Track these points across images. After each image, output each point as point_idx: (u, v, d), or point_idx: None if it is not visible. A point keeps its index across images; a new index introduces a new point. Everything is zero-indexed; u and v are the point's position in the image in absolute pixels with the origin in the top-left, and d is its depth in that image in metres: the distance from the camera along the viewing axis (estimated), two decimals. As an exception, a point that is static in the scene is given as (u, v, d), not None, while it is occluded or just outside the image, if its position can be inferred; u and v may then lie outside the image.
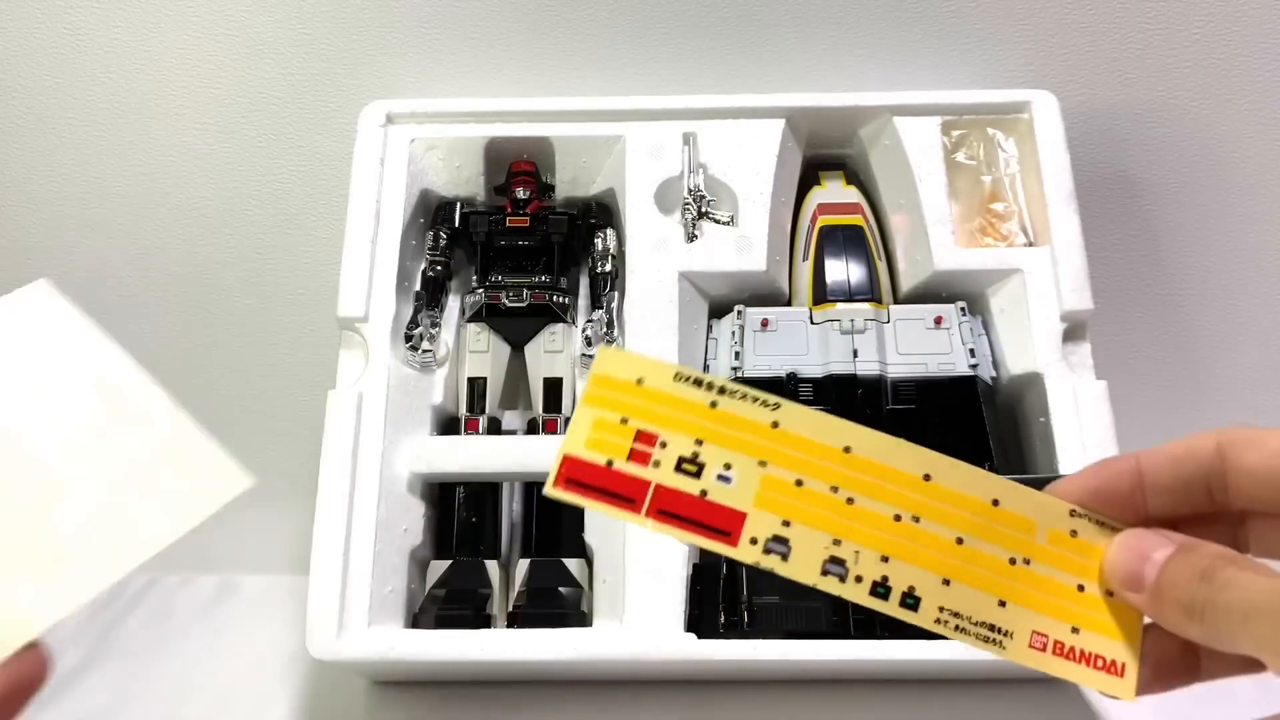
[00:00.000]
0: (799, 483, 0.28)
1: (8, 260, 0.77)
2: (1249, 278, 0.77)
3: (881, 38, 0.73)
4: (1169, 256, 0.77)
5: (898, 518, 0.28)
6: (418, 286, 0.68)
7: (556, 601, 0.61)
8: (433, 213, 0.70)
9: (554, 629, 0.58)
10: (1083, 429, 0.60)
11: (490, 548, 0.64)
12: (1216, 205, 0.77)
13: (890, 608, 0.27)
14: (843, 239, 0.68)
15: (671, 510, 0.28)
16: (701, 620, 0.58)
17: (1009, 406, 0.66)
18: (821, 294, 0.67)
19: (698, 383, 0.29)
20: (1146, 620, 0.29)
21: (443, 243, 0.69)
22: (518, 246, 0.69)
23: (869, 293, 0.66)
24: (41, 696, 0.69)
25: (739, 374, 0.64)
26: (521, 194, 0.70)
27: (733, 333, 0.65)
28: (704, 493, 0.28)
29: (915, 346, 0.64)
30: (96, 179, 0.76)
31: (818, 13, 0.73)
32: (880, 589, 0.28)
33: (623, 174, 0.68)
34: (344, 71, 0.74)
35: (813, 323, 0.65)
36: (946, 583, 0.28)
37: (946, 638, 0.28)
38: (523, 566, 0.63)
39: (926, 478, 0.29)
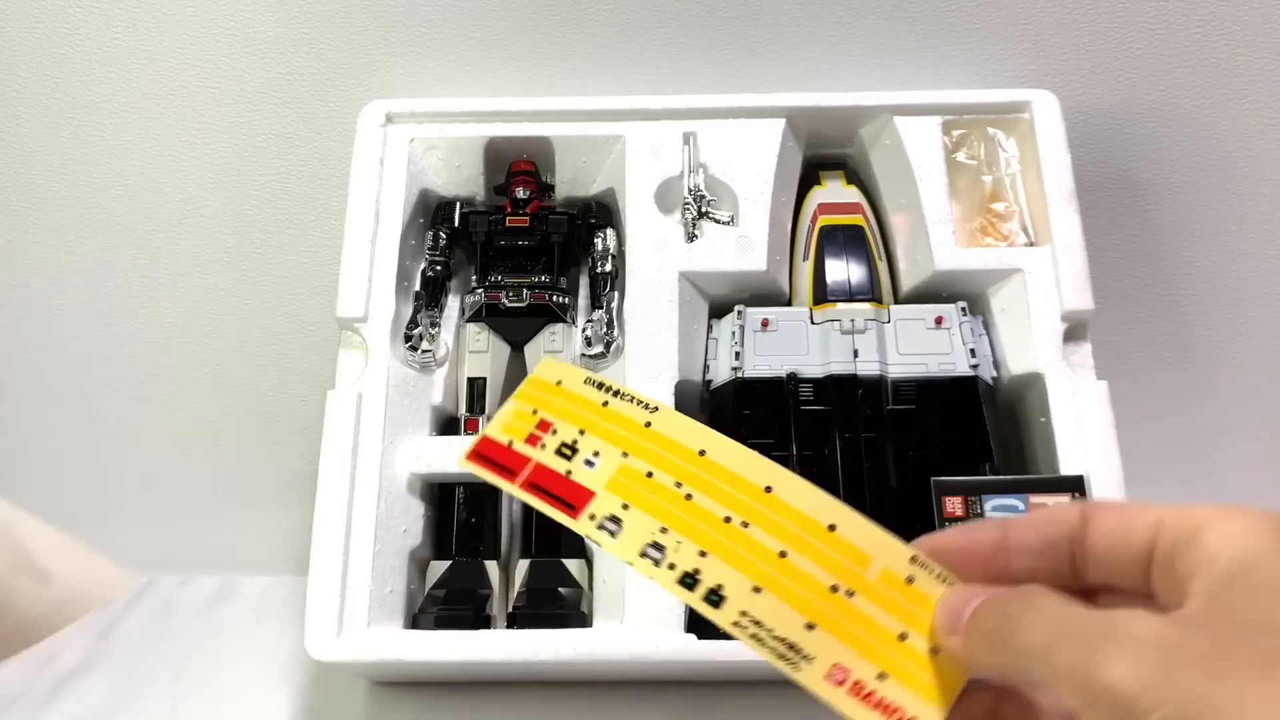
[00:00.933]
0: (649, 474, 0.31)
1: (8, 260, 0.77)
2: (1250, 277, 0.77)
3: (882, 37, 0.73)
4: (1170, 256, 0.77)
5: (728, 519, 0.29)
6: (417, 286, 0.68)
7: (556, 602, 0.61)
8: (432, 212, 0.70)
9: (554, 629, 0.58)
10: (1083, 429, 0.60)
11: (490, 548, 0.64)
12: (1217, 205, 0.76)
13: (694, 600, 0.28)
14: (843, 239, 0.68)
15: (538, 483, 0.31)
16: (701, 620, 0.58)
17: (1009, 407, 0.66)
18: (822, 294, 0.67)
19: (600, 386, 0.33)
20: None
21: (442, 242, 0.69)
22: (517, 246, 0.69)
23: (869, 293, 0.66)
24: (42, 696, 0.69)
25: (739, 374, 0.64)
26: (521, 194, 0.70)
27: (733, 333, 0.65)
28: (569, 472, 0.31)
29: (916, 346, 0.64)
30: (96, 179, 0.76)
31: (818, 12, 0.73)
32: (689, 579, 0.29)
33: (623, 174, 0.68)
34: (343, 71, 0.74)
35: (813, 323, 0.65)
36: (757, 590, 0.28)
37: (742, 643, 0.28)
38: (522, 567, 0.63)
39: (768, 489, 0.30)
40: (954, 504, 0.51)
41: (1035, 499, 0.51)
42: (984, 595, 0.28)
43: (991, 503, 0.51)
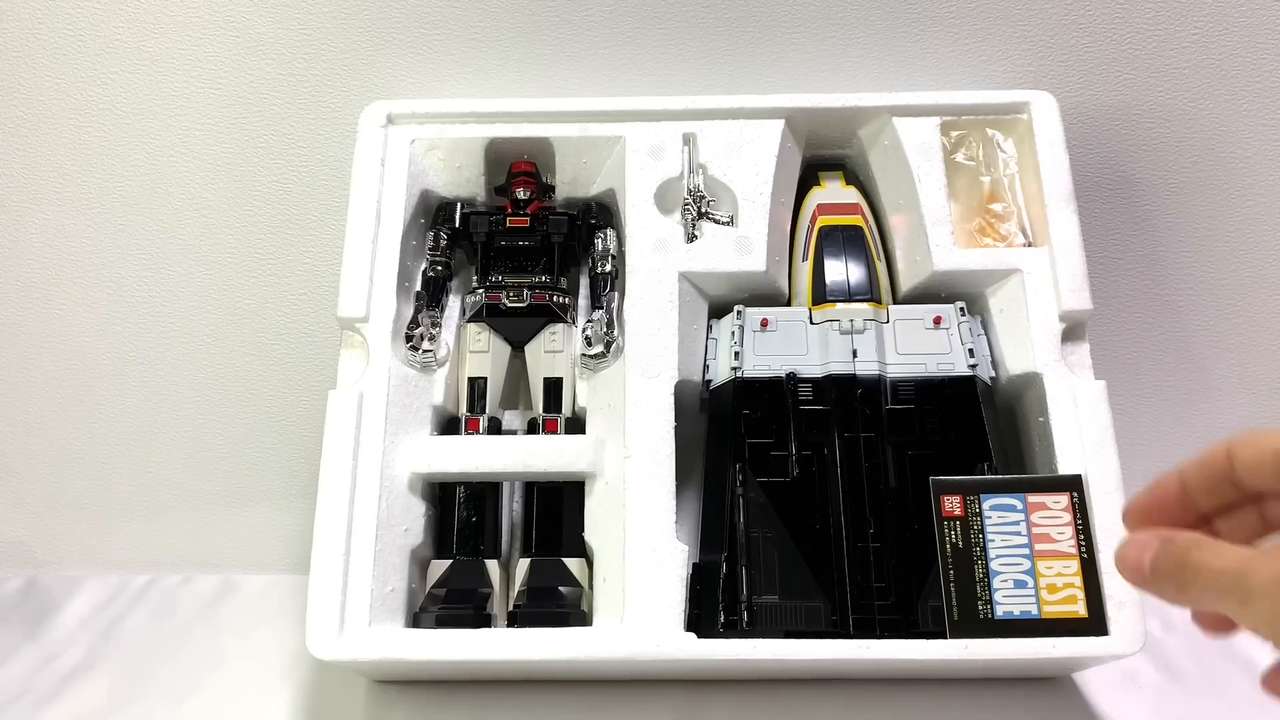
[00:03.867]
0: None
1: (9, 260, 0.78)
2: (1247, 277, 0.78)
3: (881, 39, 0.73)
4: (1167, 256, 0.77)
5: None
6: (418, 286, 0.68)
7: (556, 601, 0.61)
8: (433, 213, 0.70)
9: (554, 628, 0.58)
10: (1081, 428, 0.60)
11: (490, 547, 0.65)
12: (1215, 205, 0.77)
13: None
14: (842, 239, 0.68)
15: None
16: (701, 620, 0.58)
17: (1008, 406, 0.67)
18: (821, 294, 0.67)
19: None
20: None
21: (443, 243, 0.69)
22: (518, 247, 0.69)
23: (868, 293, 0.66)
24: (44, 695, 0.69)
25: (739, 374, 0.64)
26: (522, 194, 0.70)
27: (732, 333, 0.65)
28: None
29: (914, 346, 0.64)
30: (98, 179, 0.76)
31: (818, 13, 0.73)
32: None
33: (623, 174, 0.68)
34: (345, 72, 0.74)
35: (812, 323, 0.65)
36: None
37: None
38: (523, 566, 0.63)
39: None
40: (952, 503, 0.52)
41: (1034, 498, 0.51)
42: (1149, 545, 0.37)
43: (989, 501, 0.51)
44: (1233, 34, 0.73)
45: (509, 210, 0.70)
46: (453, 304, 0.70)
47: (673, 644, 0.57)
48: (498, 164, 0.71)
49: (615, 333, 0.65)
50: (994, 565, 0.51)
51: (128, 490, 0.78)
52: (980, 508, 0.51)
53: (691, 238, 0.67)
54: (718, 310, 0.68)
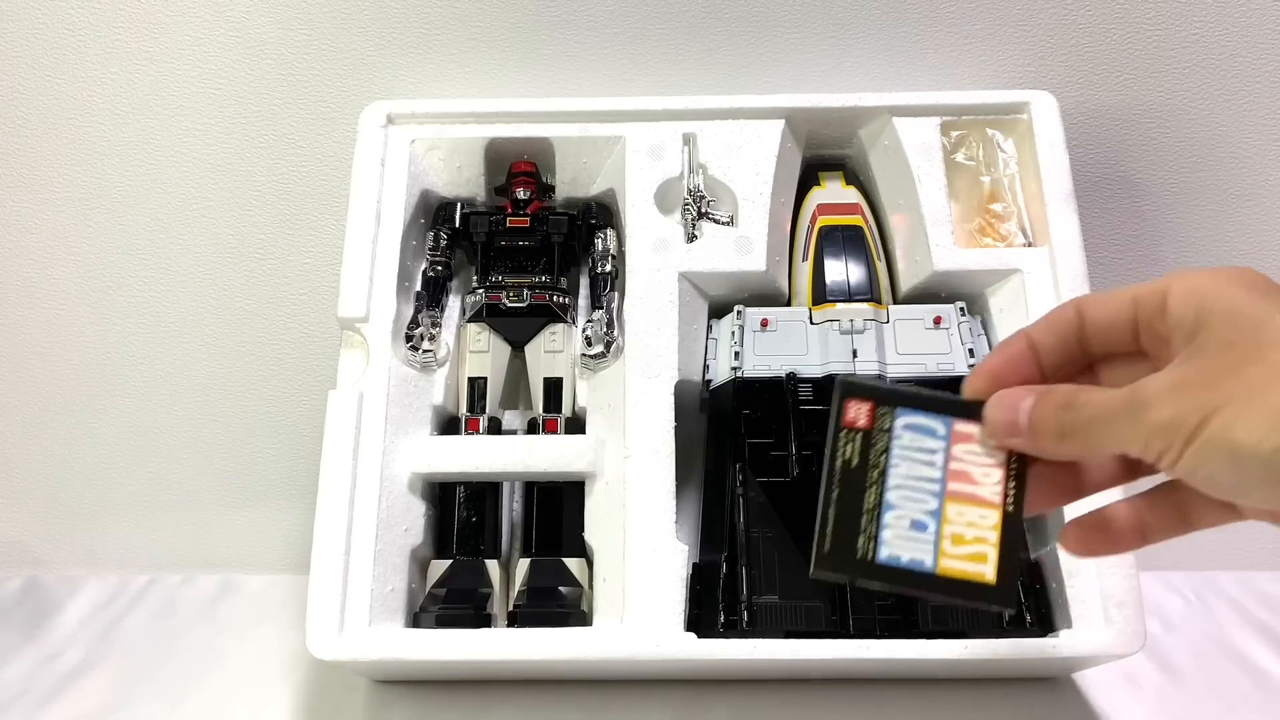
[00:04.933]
0: None
1: (9, 261, 0.78)
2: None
3: (881, 38, 0.73)
4: (1167, 257, 0.77)
5: None
6: (418, 287, 0.68)
7: (556, 600, 0.61)
8: (433, 213, 0.71)
9: (554, 628, 0.58)
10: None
11: (490, 547, 0.65)
12: (1215, 205, 0.77)
13: None
14: (842, 239, 0.68)
15: None
16: (701, 620, 0.58)
17: (1008, 406, 0.67)
18: (821, 294, 0.67)
19: None
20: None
21: (443, 243, 0.69)
22: (518, 247, 0.69)
23: (868, 293, 0.66)
24: (44, 695, 0.69)
25: (739, 374, 0.64)
26: (522, 194, 0.70)
27: (732, 333, 0.65)
28: None
29: (914, 347, 0.64)
30: (97, 180, 0.76)
31: (818, 13, 0.73)
32: None
33: (623, 174, 0.68)
34: (345, 72, 0.74)
35: (812, 323, 0.65)
36: None
37: None
38: (523, 566, 0.63)
39: None
40: (859, 410, 0.39)
41: (962, 426, 0.39)
42: (1024, 398, 0.37)
43: (905, 419, 0.39)
44: (1232, 34, 0.73)
45: (509, 210, 0.70)
46: (453, 304, 0.70)
47: (673, 644, 0.57)
48: (498, 164, 0.71)
49: (615, 333, 0.65)
50: (890, 496, 0.38)
51: (128, 490, 0.78)
52: (892, 423, 0.39)
53: (691, 238, 0.67)
54: (718, 310, 0.68)
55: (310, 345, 0.77)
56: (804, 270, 0.69)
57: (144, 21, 0.73)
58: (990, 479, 0.38)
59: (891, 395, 0.39)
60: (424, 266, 0.69)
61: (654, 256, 0.66)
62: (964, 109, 0.69)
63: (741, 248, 0.67)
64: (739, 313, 0.66)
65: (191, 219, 0.77)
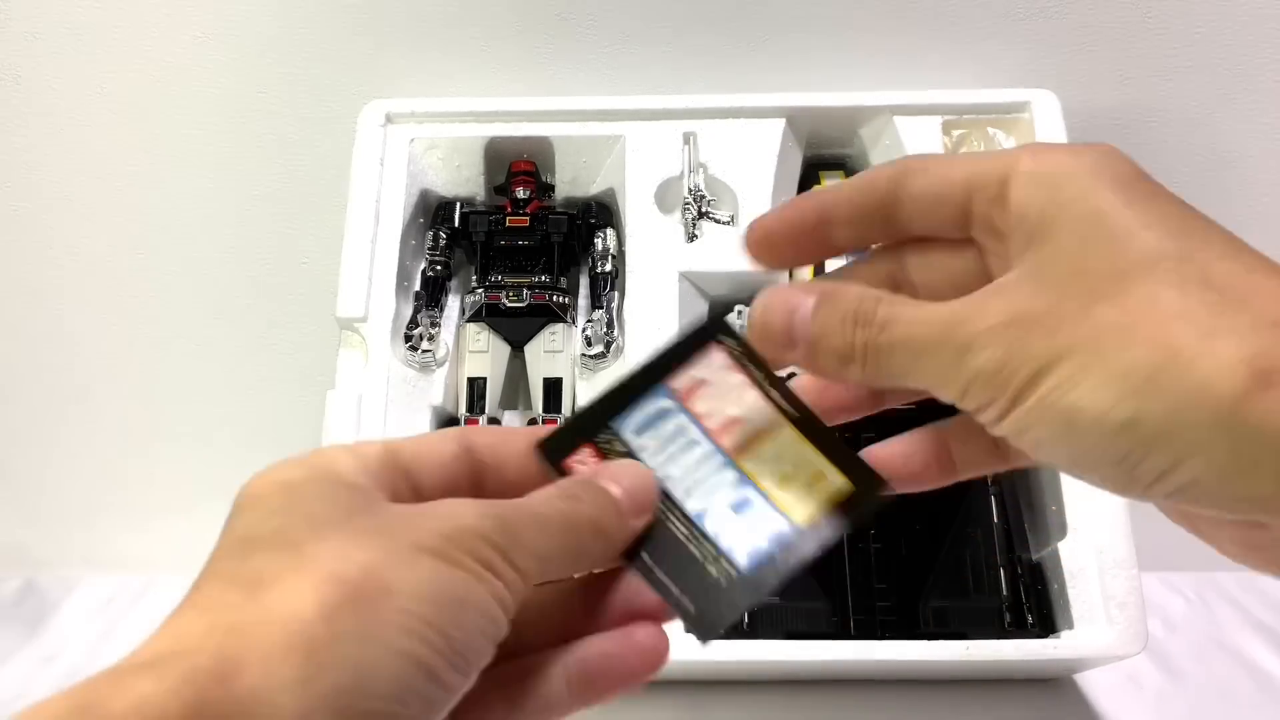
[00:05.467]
0: None
1: (8, 260, 0.77)
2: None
3: (882, 37, 0.73)
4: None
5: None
6: (417, 286, 0.68)
7: (556, 602, 0.61)
8: (432, 212, 0.70)
9: (554, 629, 0.58)
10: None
11: (490, 548, 0.64)
12: (1216, 205, 0.76)
13: None
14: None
15: None
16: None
17: (1009, 407, 0.66)
18: (822, 294, 0.67)
19: None
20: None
21: (442, 242, 0.69)
22: (517, 246, 0.69)
23: (869, 293, 0.66)
24: (43, 696, 0.69)
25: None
26: (521, 194, 0.70)
27: (733, 333, 0.65)
28: None
29: (915, 346, 0.64)
30: (97, 179, 0.76)
31: (818, 12, 0.73)
32: None
33: (623, 174, 0.68)
34: (344, 71, 0.74)
35: (813, 323, 0.65)
36: None
37: None
38: (523, 567, 0.63)
39: None
40: (582, 462, 0.30)
41: (679, 381, 0.31)
42: (802, 301, 0.28)
43: (626, 426, 0.31)
44: (1234, 33, 0.73)
45: (508, 210, 0.70)
46: (452, 304, 0.70)
47: (674, 645, 0.57)
48: (497, 163, 0.71)
49: (615, 333, 0.65)
50: (691, 507, 0.30)
51: (126, 491, 0.78)
52: (622, 441, 0.31)
53: (691, 237, 0.67)
54: (718, 310, 0.68)
55: (309, 345, 0.77)
56: (804, 270, 0.68)
57: (142, 20, 0.73)
58: (750, 402, 0.31)
59: (589, 418, 0.31)
60: (423, 266, 0.69)
61: (654, 256, 0.66)
62: (965, 108, 0.69)
63: (742, 247, 0.66)
64: (740, 313, 0.66)
65: (191, 218, 0.77)
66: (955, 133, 0.69)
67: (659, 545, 0.30)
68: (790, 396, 0.31)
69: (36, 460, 0.78)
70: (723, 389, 0.31)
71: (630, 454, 0.31)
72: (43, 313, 0.78)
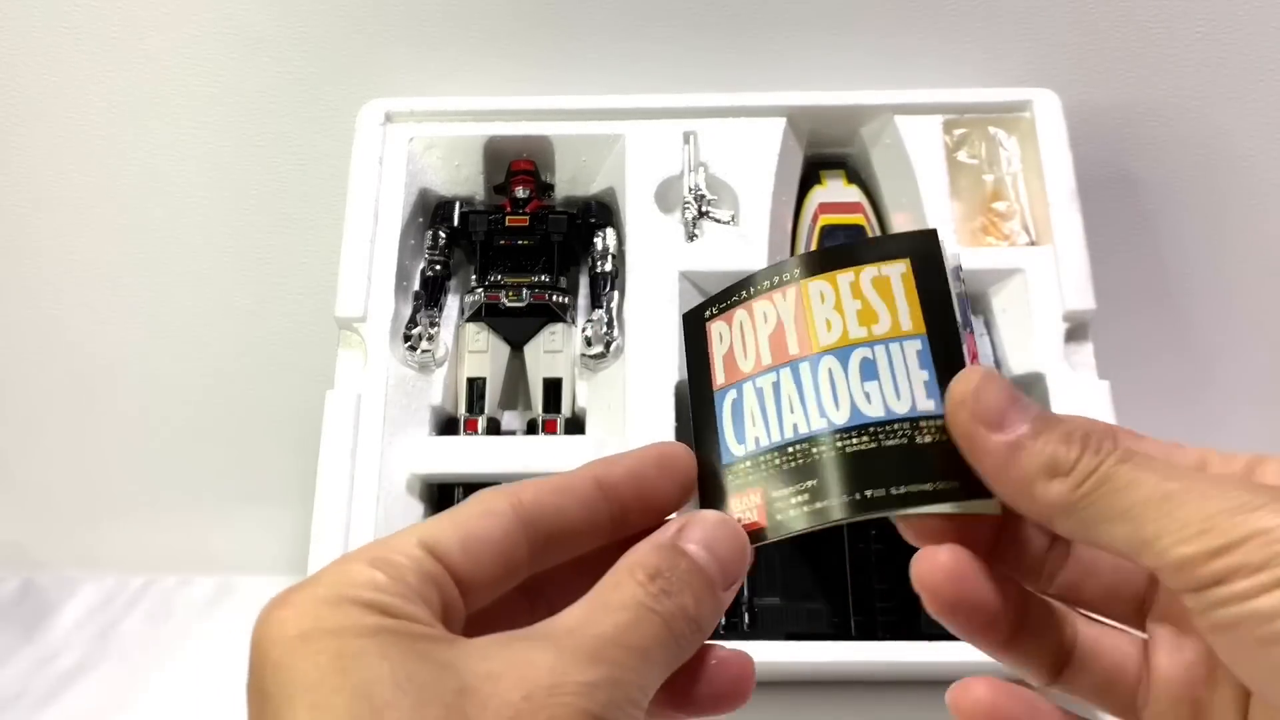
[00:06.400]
0: None
1: (7, 261, 0.77)
2: (1251, 277, 0.77)
3: (883, 36, 0.73)
4: (1171, 256, 0.77)
5: None
6: (416, 286, 0.67)
7: (556, 602, 0.60)
8: (431, 212, 0.70)
9: (553, 630, 0.58)
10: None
11: (489, 548, 0.64)
12: (1219, 204, 0.76)
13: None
14: (844, 238, 0.68)
15: None
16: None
17: (1011, 407, 0.66)
18: (822, 294, 0.66)
19: None
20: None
21: (442, 242, 0.68)
22: (517, 246, 0.69)
23: (870, 292, 0.66)
24: (41, 696, 0.69)
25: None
26: (521, 193, 0.69)
27: (733, 332, 0.65)
28: None
29: (916, 346, 0.64)
30: (95, 179, 0.76)
31: (819, 10, 0.72)
32: None
33: (623, 173, 0.68)
34: (342, 70, 0.74)
35: (813, 322, 0.65)
36: None
37: None
38: (522, 567, 0.63)
39: None
40: (746, 507, 0.28)
41: (714, 376, 0.30)
42: (1030, 418, 0.24)
43: (729, 448, 0.29)
44: (1236, 31, 0.72)
45: (508, 209, 0.69)
46: (451, 303, 0.69)
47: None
48: (497, 162, 0.71)
49: (615, 333, 0.65)
50: (843, 420, 0.27)
51: (124, 491, 0.77)
52: (743, 465, 0.29)
53: (692, 237, 0.67)
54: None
55: (308, 345, 0.76)
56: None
57: (140, 19, 0.73)
58: (769, 311, 0.29)
59: (710, 480, 0.29)
60: (422, 266, 0.68)
61: (654, 256, 0.66)
62: (966, 107, 0.69)
63: (742, 247, 0.66)
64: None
65: (189, 218, 0.77)
66: (956, 132, 0.69)
67: (873, 471, 0.26)
68: (778, 270, 0.29)
69: (36, 460, 0.78)
70: (743, 336, 0.30)
71: (756, 470, 0.28)
72: (41, 312, 0.78)
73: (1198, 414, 0.78)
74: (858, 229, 0.68)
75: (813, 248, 0.68)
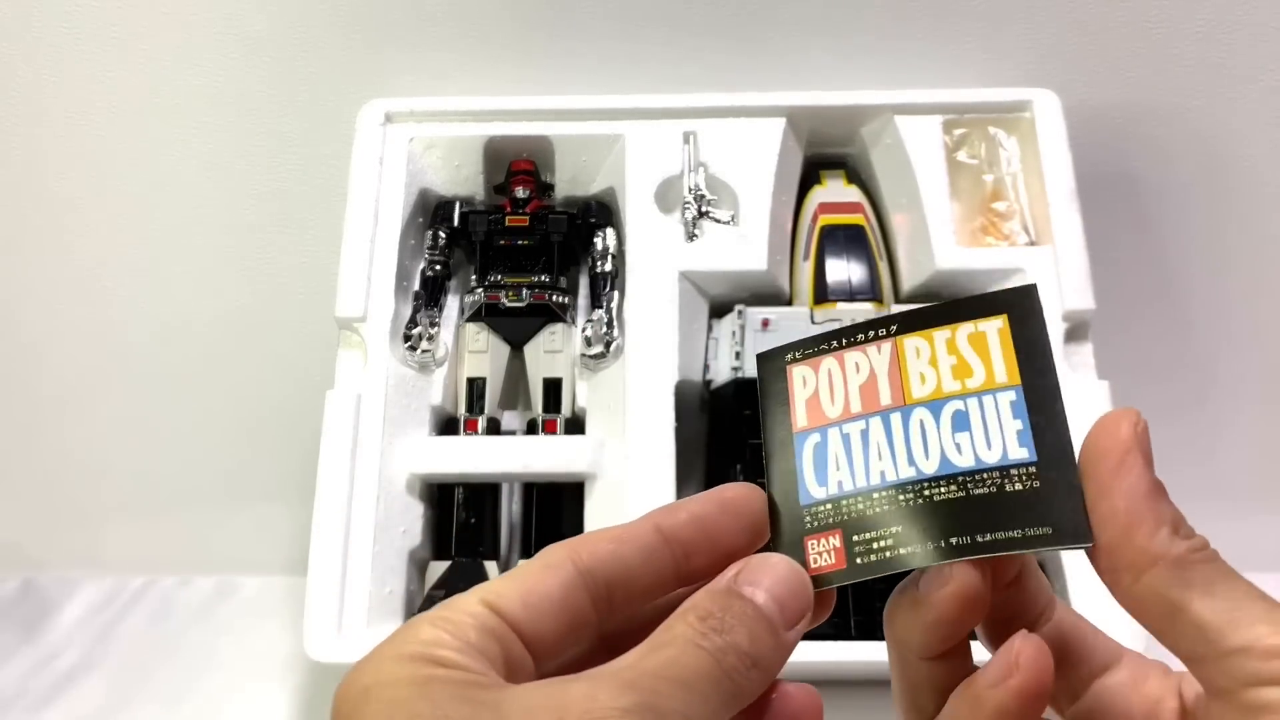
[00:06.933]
0: None
1: (6, 261, 0.77)
2: (1251, 277, 0.77)
3: (883, 36, 0.73)
4: (1171, 256, 0.77)
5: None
6: (416, 286, 0.67)
7: (556, 602, 0.60)
8: (432, 212, 0.70)
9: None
10: (1084, 430, 0.60)
11: (489, 549, 0.64)
12: (1218, 204, 0.76)
13: None
14: (844, 238, 0.68)
15: None
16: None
17: (1011, 407, 0.66)
18: (822, 293, 0.66)
19: None
20: None
21: (442, 242, 0.68)
22: (517, 246, 0.69)
23: (870, 292, 0.66)
24: (41, 697, 0.69)
25: (740, 374, 0.63)
26: (521, 193, 0.69)
27: (733, 333, 0.65)
28: None
29: (916, 346, 0.64)
30: (94, 179, 0.76)
31: (819, 11, 0.72)
32: None
33: (623, 173, 0.68)
34: (342, 70, 0.74)
35: (814, 322, 0.65)
36: None
37: None
38: (522, 567, 0.63)
39: None
40: (822, 550, 0.28)
41: (795, 419, 0.29)
42: (1167, 516, 0.24)
43: (808, 490, 0.29)
44: (1236, 31, 0.72)
45: (508, 209, 0.69)
46: (451, 303, 0.69)
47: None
48: (497, 162, 0.71)
49: (615, 333, 0.65)
50: (932, 470, 0.27)
51: (124, 491, 0.77)
52: (824, 508, 0.28)
53: (692, 237, 0.67)
54: (718, 310, 0.68)
55: (308, 345, 0.76)
56: (805, 269, 0.68)
57: (140, 19, 0.73)
58: (861, 362, 0.29)
59: (788, 522, 0.29)
60: (422, 266, 0.68)
61: (654, 256, 0.66)
62: (966, 107, 0.69)
63: (742, 247, 0.66)
64: (740, 312, 0.66)
65: (189, 218, 0.77)
66: (956, 132, 0.69)
67: (959, 519, 0.27)
68: (874, 325, 0.29)
69: (34, 461, 0.78)
70: (830, 383, 0.29)
71: (837, 513, 0.28)
72: (41, 313, 0.78)
73: (1198, 414, 0.78)
74: (858, 229, 0.68)
75: (812, 248, 0.68)
